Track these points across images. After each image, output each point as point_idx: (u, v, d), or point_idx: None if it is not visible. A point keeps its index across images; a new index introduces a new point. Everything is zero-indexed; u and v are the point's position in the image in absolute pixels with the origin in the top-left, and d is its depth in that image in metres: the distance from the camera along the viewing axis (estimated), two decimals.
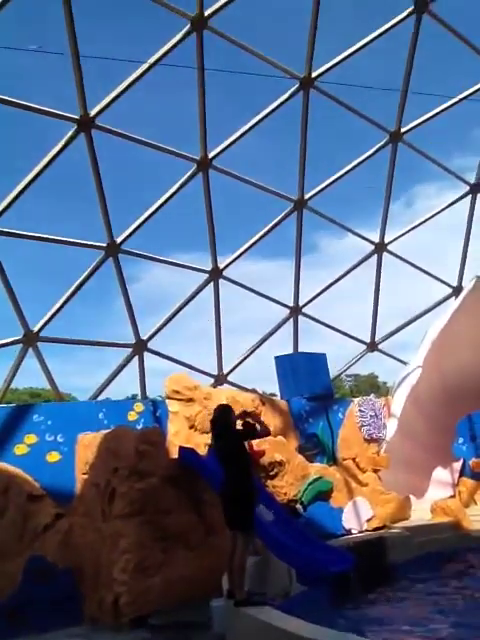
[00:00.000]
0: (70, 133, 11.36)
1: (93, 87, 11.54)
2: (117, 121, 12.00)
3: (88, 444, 8.80)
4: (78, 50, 10.49)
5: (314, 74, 13.30)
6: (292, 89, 13.40)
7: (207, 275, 14.23)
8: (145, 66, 11.42)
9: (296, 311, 15.46)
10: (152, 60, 11.39)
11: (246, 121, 13.46)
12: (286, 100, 13.51)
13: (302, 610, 5.42)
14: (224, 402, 10.24)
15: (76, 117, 11.27)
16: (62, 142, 11.37)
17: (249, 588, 5.35)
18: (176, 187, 13.15)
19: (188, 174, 13.17)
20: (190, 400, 10.06)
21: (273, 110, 13.49)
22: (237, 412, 6.51)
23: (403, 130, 15.00)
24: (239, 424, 6.71)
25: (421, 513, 11.19)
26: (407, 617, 6.29)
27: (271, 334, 15.55)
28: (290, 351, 15.09)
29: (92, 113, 11.36)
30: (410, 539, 9.46)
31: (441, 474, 13.07)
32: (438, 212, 16.80)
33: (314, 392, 12.04)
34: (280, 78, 13.17)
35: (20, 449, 8.63)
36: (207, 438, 9.59)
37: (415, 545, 9.22)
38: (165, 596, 7.48)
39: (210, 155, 13.15)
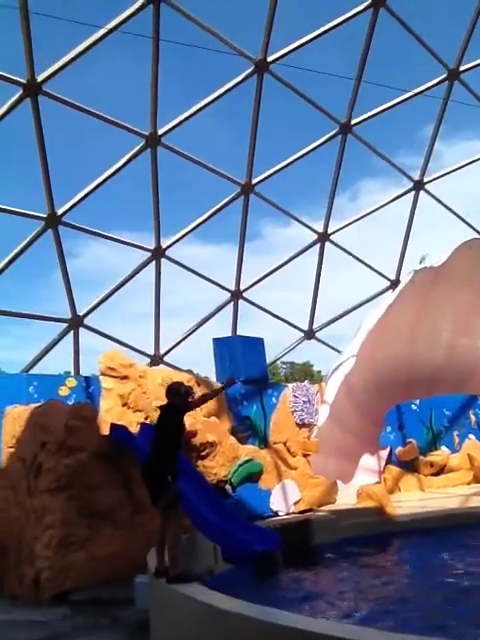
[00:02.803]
0: (15, 97, 10.95)
1: (42, 53, 11.15)
2: (65, 90, 11.65)
3: (16, 417, 8.57)
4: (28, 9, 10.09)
5: (270, 58, 13.25)
6: (247, 72, 13.32)
7: (149, 254, 14.05)
8: (99, 33, 11.10)
9: (237, 295, 15.48)
10: (108, 27, 11.07)
11: (198, 101, 13.33)
12: (240, 82, 13.43)
13: (227, 587, 5.46)
14: (159, 382, 10.22)
15: (23, 81, 10.85)
16: (6, 106, 10.95)
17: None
18: (123, 162, 12.89)
19: (136, 149, 12.93)
20: (125, 377, 9.93)
21: (226, 91, 13.39)
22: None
23: (353, 122, 15.18)
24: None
25: (347, 498, 11.44)
26: (327, 594, 6.44)
27: (210, 317, 15.54)
28: (229, 335, 15.12)
29: (40, 78, 10.97)
30: (335, 522, 9.68)
31: (368, 461, 13.43)
32: (383, 205, 17.15)
33: (250, 375, 12.10)
34: (236, 60, 13.12)
35: None
36: (140, 416, 9.52)
37: (340, 528, 9.43)
38: (88, 573, 7.41)
39: (159, 132, 12.94)
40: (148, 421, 9.32)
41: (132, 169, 13.25)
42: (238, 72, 13.36)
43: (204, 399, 6.56)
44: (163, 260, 14.21)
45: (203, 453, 9.74)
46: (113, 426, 8.71)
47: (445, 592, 6.40)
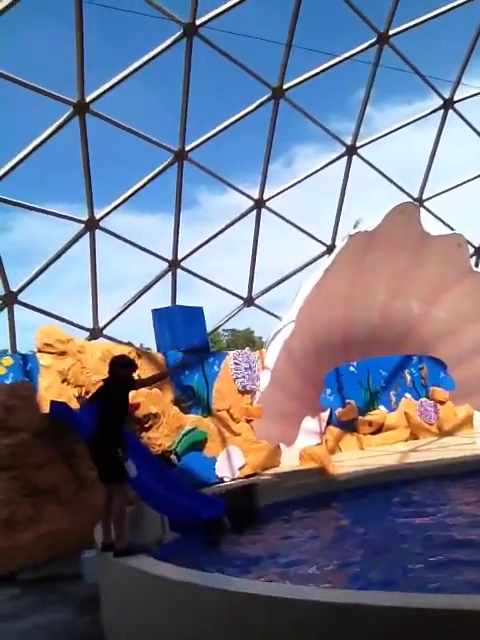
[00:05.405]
0: None
1: None
2: None
3: None
4: None
5: (198, 22, 12.96)
6: (176, 35, 12.99)
7: (82, 226, 13.72)
8: None
9: (174, 264, 15.35)
10: None
11: (127, 66, 12.92)
12: (169, 47, 13.08)
13: (175, 556, 5.55)
14: (99, 356, 10.12)
15: None
16: None
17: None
18: (50, 131, 12.44)
19: (64, 118, 12.49)
20: (63, 353, 9.78)
21: (155, 56, 13.02)
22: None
23: (285, 87, 15.08)
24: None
25: (291, 460, 11.71)
26: (273, 556, 6.63)
27: (149, 288, 15.37)
28: (168, 305, 15.02)
29: None
30: (279, 484, 9.91)
31: (310, 423, 13.71)
32: (316, 171, 17.20)
33: (190, 345, 12.13)
34: (165, 24, 12.75)
35: None
36: (80, 392, 9.43)
37: (283, 490, 9.66)
38: (35, 551, 7.39)
39: (87, 99, 12.52)
40: (89, 396, 9.24)
41: (61, 138, 12.83)
42: (167, 36, 13.02)
43: (152, 380, 6.52)
44: (97, 231, 13.90)
45: (147, 425, 9.77)
46: (53, 403, 8.61)
47: (386, 545, 6.70)
